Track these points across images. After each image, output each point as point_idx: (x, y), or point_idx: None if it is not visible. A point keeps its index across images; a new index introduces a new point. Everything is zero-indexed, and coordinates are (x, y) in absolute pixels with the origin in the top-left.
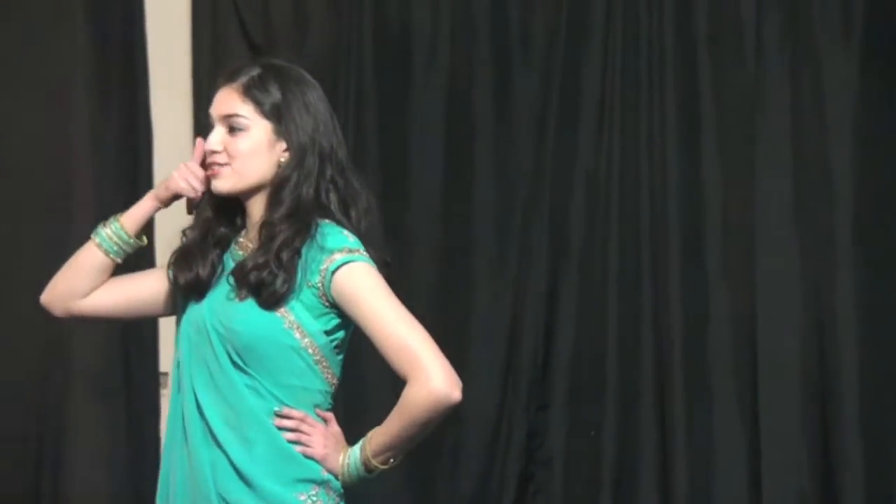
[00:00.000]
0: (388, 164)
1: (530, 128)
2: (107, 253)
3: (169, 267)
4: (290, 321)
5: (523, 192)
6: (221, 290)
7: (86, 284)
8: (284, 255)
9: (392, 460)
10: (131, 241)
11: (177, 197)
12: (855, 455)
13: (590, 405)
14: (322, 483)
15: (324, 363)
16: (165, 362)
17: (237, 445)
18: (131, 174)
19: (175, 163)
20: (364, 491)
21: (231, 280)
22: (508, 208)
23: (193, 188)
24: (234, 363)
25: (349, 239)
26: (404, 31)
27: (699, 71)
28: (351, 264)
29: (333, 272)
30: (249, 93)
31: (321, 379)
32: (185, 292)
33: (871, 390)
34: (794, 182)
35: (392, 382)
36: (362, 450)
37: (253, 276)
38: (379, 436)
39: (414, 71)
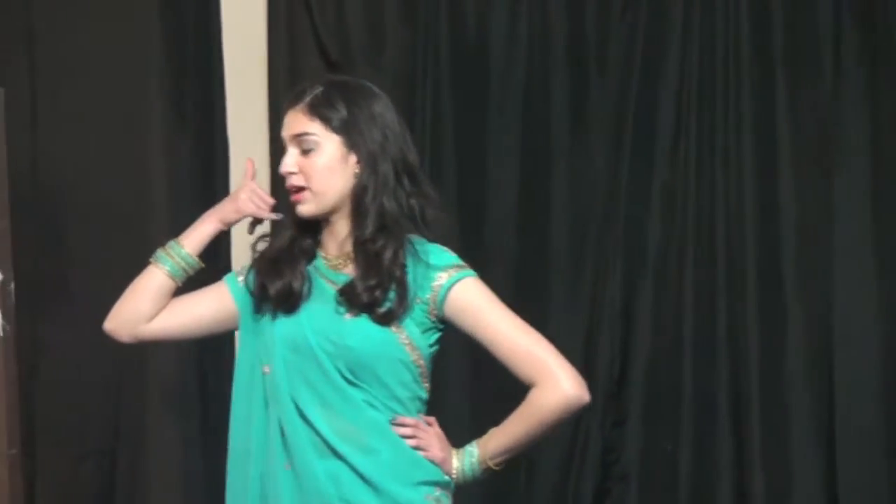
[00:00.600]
0: (464, 178)
1: (606, 143)
2: (170, 276)
3: (245, 283)
4: (404, 337)
5: (599, 206)
6: (323, 308)
7: (150, 308)
8: (397, 272)
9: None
10: (195, 262)
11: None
12: None
13: (666, 420)
14: (444, 485)
15: (425, 374)
16: None
17: (359, 455)
18: (207, 191)
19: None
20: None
21: (338, 298)
22: (584, 223)
23: (262, 209)
24: (347, 380)
25: (452, 255)
26: (481, 47)
27: (776, 87)
28: (463, 280)
29: (448, 289)
30: (316, 110)
31: (423, 389)
32: (276, 302)
33: None
34: (872, 196)
35: None
36: (480, 451)
37: (366, 296)
38: (499, 437)
39: (490, 86)
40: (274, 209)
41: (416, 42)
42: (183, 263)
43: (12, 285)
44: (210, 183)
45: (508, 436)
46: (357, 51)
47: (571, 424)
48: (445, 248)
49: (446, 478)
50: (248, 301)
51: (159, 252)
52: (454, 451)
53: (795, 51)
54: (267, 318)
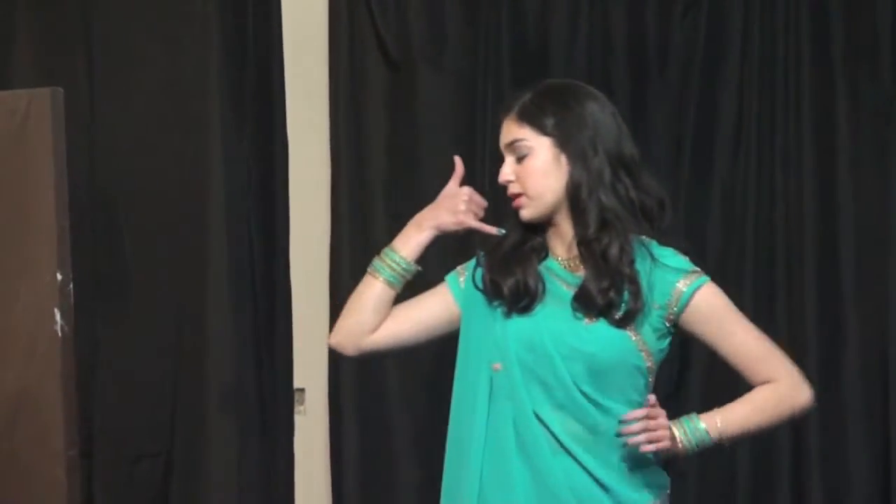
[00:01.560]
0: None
1: (667, 143)
2: (390, 284)
3: (471, 281)
4: (640, 343)
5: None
6: (560, 310)
7: (373, 318)
8: (626, 270)
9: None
10: (412, 268)
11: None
12: None
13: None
14: (665, 487)
15: (652, 379)
16: (300, 378)
17: (591, 458)
18: (266, 191)
19: (310, 182)
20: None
21: (574, 304)
22: None
23: (484, 223)
24: (582, 385)
25: (686, 259)
26: (541, 47)
27: (836, 87)
28: (704, 287)
29: (690, 295)
30: (525, 117)
31: (649, 391)
32: (510, 300)
33: None
34: None
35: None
36: (705, 423)
37: (601, 299)
38: (738, 421)
39: None
40: (485, 217)
41: (478, 42)
42: (400, 270)
43: (71, 286)
44: (269, 183)
45: (747, 422)
46: (418, 51)
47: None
48: (678, 251)
49: (667, 479)
50: (472, 299)
51: (375, 262)
52: (673, 426)
53: (855, 51)
54: (498, 316)
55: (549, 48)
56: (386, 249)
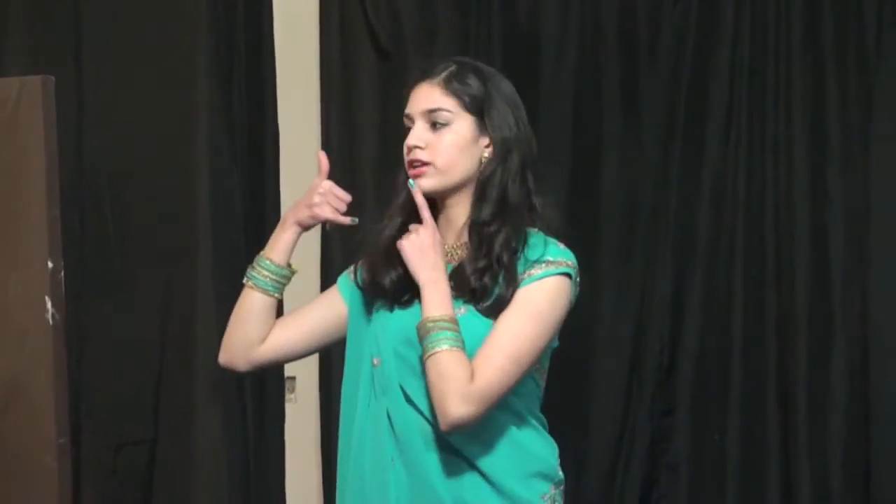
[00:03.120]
0: None
1: (658, 133)
2: (266, 292)
3: (353, 279)
4: None
5: (649, 196)
6: None
7: (258, 330)
8: (505, 258)
9: None
10: (286, 272)
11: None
12: None
13: (714, 410)
14: (559, 482)
15: (540, 371)
16: (290, 366)
17: (472, 447)
18: (256, 182)
19: (302, 169)
20: None
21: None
22: (635, 213)
23: (338, 213)
24: None
25: (561, 249)
26: (532, 37)
27: (826, 76)
28: (548, 279)
29: (529, 283)
30: (451, 86)
31: (536, 384)
32: (391, 295)
33: None
34: None
35: None
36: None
37: (474, 280)
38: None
39: (541, 75)
40: (349, 210)
41: (468, 32)
42: (275, 276)
43: (62, 274)
44: (260, 170)
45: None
46: (409, 40)
47: (620, 414)
48: (556, 242)
49: (561, 474)
50: (357, 296)
51: (249, 271)
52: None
53: (844, 41)
54: (380, 311)
55: (540, 37)
56: (257, 257)
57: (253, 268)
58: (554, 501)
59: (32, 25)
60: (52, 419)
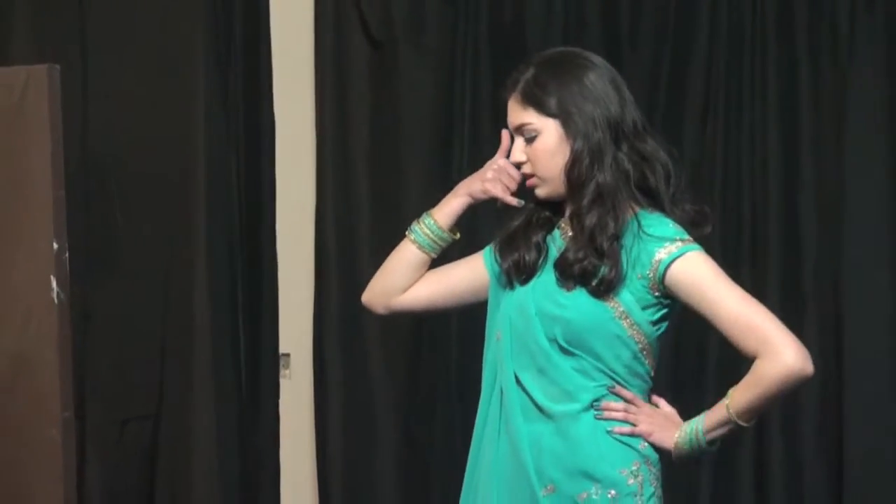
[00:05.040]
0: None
1: (638, 118)
2: (422, 249)
3: (494, 252)
4: (619, 311)
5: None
6: (549, 277)
7: (404, 280)
8: (601, 243)
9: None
10: (446, 235)
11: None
12: None
13: (690, 388)
14: (644, 458)
15: (648, 351)
16: (285, 344)
17: (565, 420)
18: (254, 164)
19: (296, 154)
20: None
21: (555, 271)
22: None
23: (507, 192)
24: (561, 348)
25: (674, 227)
26: (518, 25)
27: (799, 65)
28: (686, 255)
29: (668, 264)
30: (529, 98)
31: (645, 366)
32: (510, 275)
33: None
34: (887, 171)
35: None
36: (705, 423)
37: (577, 268)
38: (721, 411)
39: None
40: (518, 191)
41: (457, 21)
42: (434, 237)
43: (66, 254)
44: (256, 156)
45: (727, 409)
46: (400, 30)
47: None
48: (670, 220)
49: (645, 451)
50: (497, 271)
51: (413, 226)
52: (677, 426)
53: (817, 33)
54: (508, 288)
55: (526, 26)
56: (424, 214)
57: (418, 223)
58: (637, 476)
59: (39, 16)
60: (56, 394)
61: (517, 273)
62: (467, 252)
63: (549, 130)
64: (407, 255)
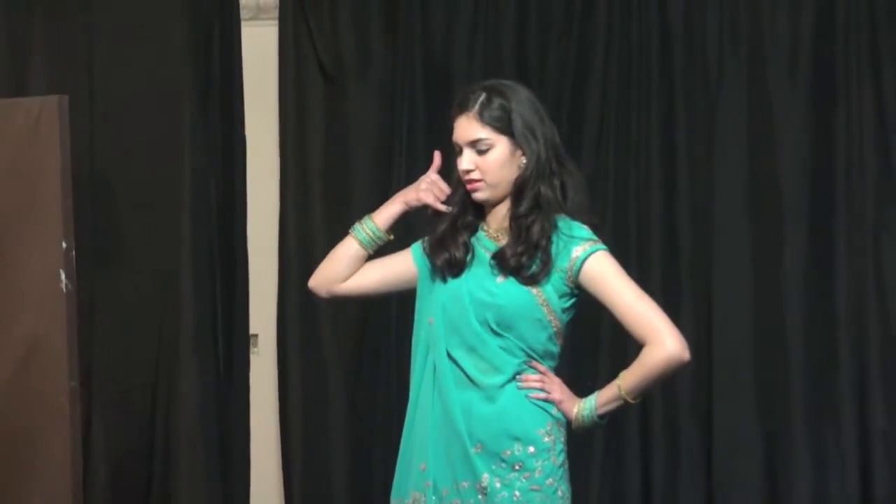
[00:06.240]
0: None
1: (561, 146)
2: (362, 245)
3: (424, 250)
4: (542, 299)
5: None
6: (480, 270)
7: (345, 271)
8: (542, 243)
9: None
10: (383, 235)
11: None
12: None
13: (586, 360)
14: (556, 420)
15: (559, 334)
16: (254, 325)
17: (491, 389)
18: (227, 178)
19: (263, 170)
20: None
21: (492, 263)
22: None
23: (438, 201)
24: (491, 329)
25: (588, 231)
26: (446, 63)
27: (676, 97)
28: (597, 253)
29: (584, 260)
30: (484, 117)
31: (556, 346)
32: (444, 270)
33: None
34: (749, 182)
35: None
36: (596, 401)
37: (514, 261)
38: (612, 389)
39: (453, 96)
40: (449, 200)
41: (396, 59)
42: (373, 236)
43: (73, 252)
44: (230, 174)
45: (619, 389)
46: (348, 67)
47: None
48: (583, 225)
49: (557, 414)
50: (426, 266)
51: (356, 226)
52: (577, 400)
53: (691, 67)
54: (439, 280)
55: (452, 64)
56: (365, 217)
57: (360, 224)
58: (550, 434)
59: (52, 53)
60: (65, 367)
61: (449, 268)
62: (398, 250)
63: (502, 145)
64: (349, 250)
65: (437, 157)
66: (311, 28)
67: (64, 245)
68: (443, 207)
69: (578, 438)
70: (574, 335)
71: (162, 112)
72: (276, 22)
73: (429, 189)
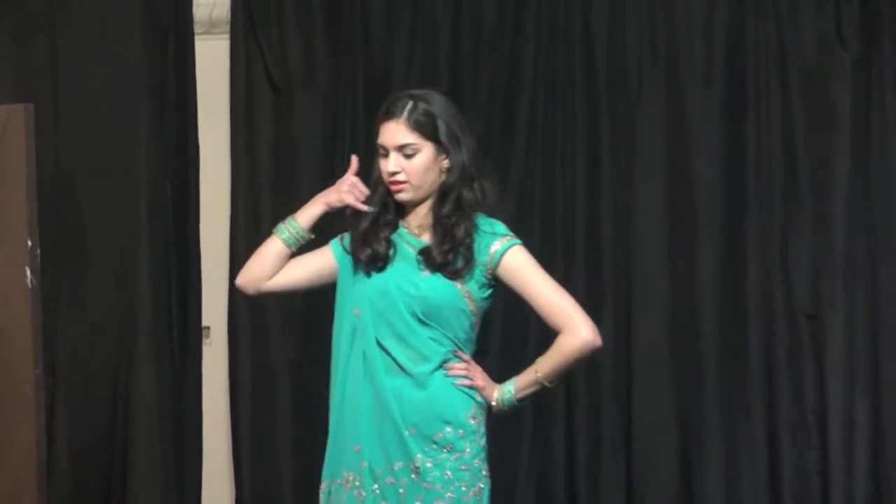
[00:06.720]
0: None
1: (478, 150)
2: (286, 244)
3: (342, 247)
4: (465, 291)
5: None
6: (406, 265)
7: (270, 269)
8: (466, 241)
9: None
10: (305, 235)
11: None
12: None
13: (516, 353)
14: (480, 405)
15: (478, 322)
16: (207, 318)
17: (422, 376)
18: (181, 183)
19: (215, 175)
20: None
21: (418, 258)
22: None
23: (358, 201)
24: (419, 320)
25: (504, 227)
26: (386, 75)
27: (600, 110)
28: (514, 248)
29: (502, 254)
30: (412, 123)
31: (475, 333)
32: (368, 265)
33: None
34: (667, 185)
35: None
36: (515, 386)
37: (440, 258)
38: (530, 374)
39: None
40: (367, 200)
41: (339, 73)
42: (297, 235)
43: (38, 251)
44: (185, 177)
45: (536, 374)
46: (295, 80)
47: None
48: (499, 221)
49: (480, 399)
50: (347, 260)
51: (280, 226)
52: (496, 386)
53: (612, 81)
54: (361, 275)
55: (392, 76)
56: (289, 217)
57: (284, 224)
58: (476, 418)
59: (18, 63)
60: (30, 357)
61: (373, 263)
62: (317, 247)
63: (427, 151)
64: (274, 249)
65: (355, 161)
66: (260, 42)
67: (29, 244)
68: (363, 207)
69: (508, 425)
70: (507, 331)
71: (121, 119)
72: (228, 36)
73: (350, 191)
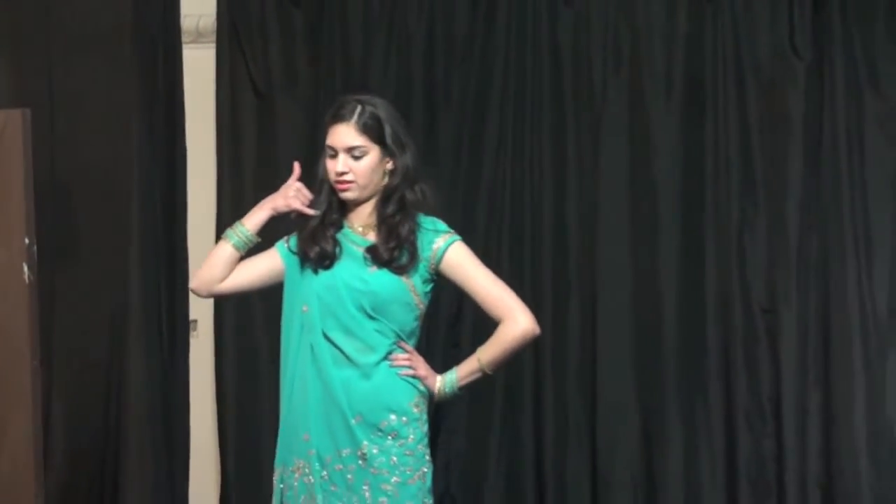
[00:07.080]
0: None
1: (450, 152)
2: (236, 248)
3: (288, 247)
4: (410, 286)
5: (442, 198)
6: (352, 262)
7: (222, 272)
8: (406, 238)
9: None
10: (253, 238)
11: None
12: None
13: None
14: (422, 394)
15: (422, 315)
16: (194, 312)
17: (367, 367)
18: (170, 185)
19: (201, 178)
20: None
21: (365, 255)
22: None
23: (304, 205)
24: (367, 314)
25: (444, 224)
26: (363, 83)
27: (566, 114)
28: (455, 244)
29: (445, 249)
30: (361, 126)
31: (419, 325)
32: (315, 263)
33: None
34: (629, 186)
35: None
36: (457, 374)
37: (387, 255)
38: (472, 363)
39: None
40: (312, 204)
41: (319, 79)
42: (245, 239)
43: (35, 248)
44: (173, 179)
45: (478, 362)
46: (277, 86)
47: (422, 349)
48: (439, 219)
49: (424, 389)
50: (292, 261)
51: (229, 231)
52: (438, 376)
53: (578, 88)
54: (309, 273)
55: (369, 84)
56: (236, 223)
57: (232, 229)
58: (419, 406)
59: (15, 68)
60: (27, 348)
61: (321, 261)
62: (262, 250)
63: (374, 153)
64: (224, 253)
65: (297, 167)
66: (244, 51)
67: (26, 241)
68: (309, 211)
69: (479, 417)
70: (478, 324)
71: (113, 123)
72: (214, 45)
73: (296, 196)
